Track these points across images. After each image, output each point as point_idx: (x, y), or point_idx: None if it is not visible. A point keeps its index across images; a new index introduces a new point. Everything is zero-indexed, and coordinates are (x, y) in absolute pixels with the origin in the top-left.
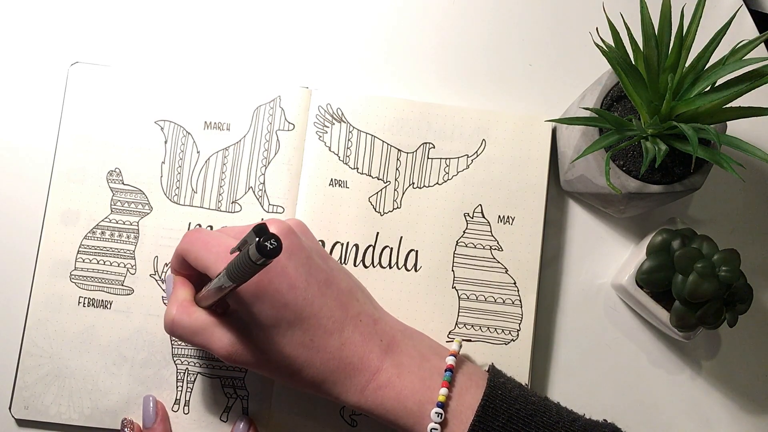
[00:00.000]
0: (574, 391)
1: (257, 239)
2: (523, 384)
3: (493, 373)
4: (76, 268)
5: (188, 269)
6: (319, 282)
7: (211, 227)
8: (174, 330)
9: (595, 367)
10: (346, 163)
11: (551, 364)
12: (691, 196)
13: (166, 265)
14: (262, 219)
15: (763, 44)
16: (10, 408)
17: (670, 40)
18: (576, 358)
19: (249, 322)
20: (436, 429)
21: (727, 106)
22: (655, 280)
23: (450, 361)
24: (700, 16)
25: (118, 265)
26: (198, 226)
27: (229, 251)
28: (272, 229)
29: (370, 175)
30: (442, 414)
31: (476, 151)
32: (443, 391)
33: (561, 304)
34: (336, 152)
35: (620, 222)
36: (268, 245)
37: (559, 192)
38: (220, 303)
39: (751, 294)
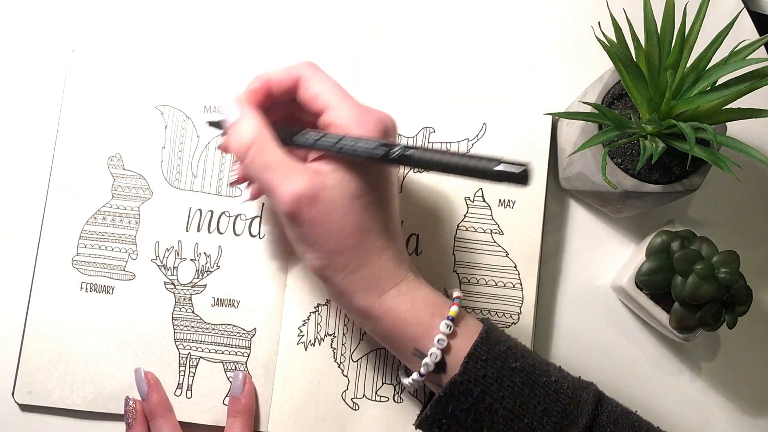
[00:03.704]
0: None
1: (521, 169)
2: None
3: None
4: (77, 254)
5: (270, 99)
6: (394, 192)
7: (212, 212)
8: (248, 152)
9: (594, 368)
10: None
11: None
12: (690, 198)
13: (167, 250)
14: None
15: (763, 46)
16: (13, 393)
17: (672, 38)
18: (575, 359)
19: (332, 184)
20: (443, 339)
21: (728, 107)
22: (654, 282)
23: (456, 292)
24: (704, 15)
25: (120, 251)
26: (198, 211)
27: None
28: (372, 125)
29: None
30: (451, 326)
31: (477, 135)
32: (455, 308)
33: (560, 306)
34: None
35: (619, 223)
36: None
37: (558, 191)
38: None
39: (751, 295)
